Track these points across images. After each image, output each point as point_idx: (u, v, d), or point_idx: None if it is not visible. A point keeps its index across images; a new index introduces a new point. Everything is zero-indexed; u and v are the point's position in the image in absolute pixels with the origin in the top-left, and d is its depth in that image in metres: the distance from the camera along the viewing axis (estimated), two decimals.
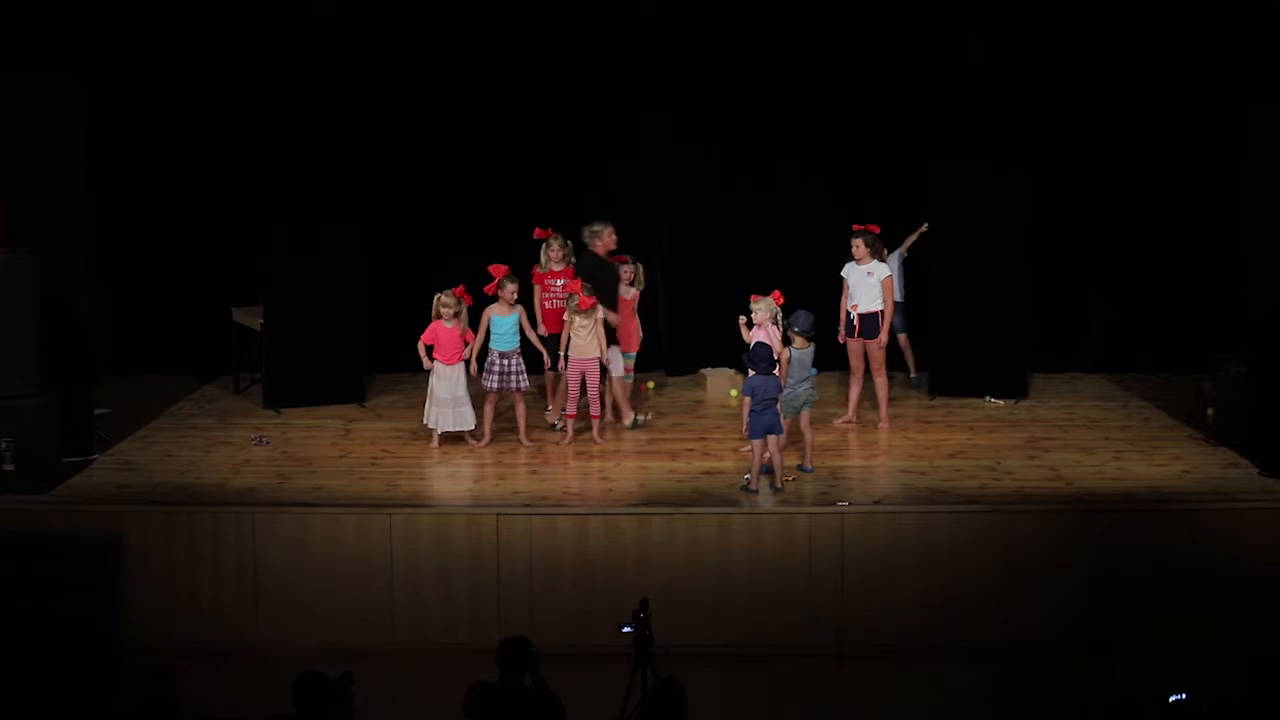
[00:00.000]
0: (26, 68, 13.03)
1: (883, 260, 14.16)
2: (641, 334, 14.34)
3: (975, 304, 14.85)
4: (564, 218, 14.80)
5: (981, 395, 15.05)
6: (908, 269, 15.26)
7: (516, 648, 8.72)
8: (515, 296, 13.69)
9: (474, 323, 13.65)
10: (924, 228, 15.05)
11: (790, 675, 11.68)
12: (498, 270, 13.70)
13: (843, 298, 14.32)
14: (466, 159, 15.76)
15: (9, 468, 12.50)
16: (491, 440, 13.76)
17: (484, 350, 13.71)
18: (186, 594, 12.12)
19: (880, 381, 14.17)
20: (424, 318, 13.70)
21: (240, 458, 13.56)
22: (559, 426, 14.18)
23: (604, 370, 13.92)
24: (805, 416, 13.07)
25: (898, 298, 14.90)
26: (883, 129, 15.56)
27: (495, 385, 13.65)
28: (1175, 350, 15.67)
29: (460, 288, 13.59)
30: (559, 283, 14.33)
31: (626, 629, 9.61)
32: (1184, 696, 8.34)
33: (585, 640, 11.46)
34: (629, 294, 14.20)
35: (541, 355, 14.08)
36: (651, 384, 15.22)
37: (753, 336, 12.93)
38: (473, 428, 13.68)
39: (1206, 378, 14.13)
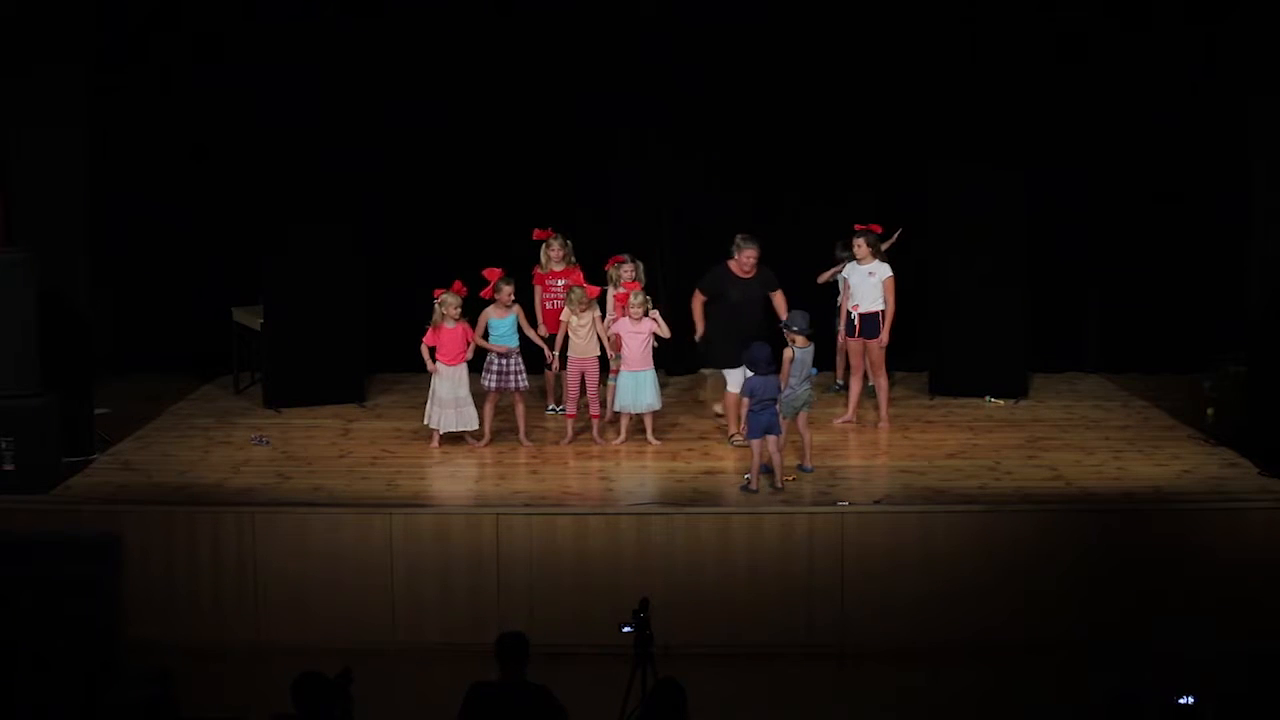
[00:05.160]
0: (27, 67, 13.03)
1: (884, 260, 14.16)
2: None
3: (975, 304, 14.85)
4: (564, 218, 14.82)
5: (981, 395, 15.05)
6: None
7: (513, 642, 8.74)
8: (512, 298, 13.67)
9: (473, 323, 13.66)
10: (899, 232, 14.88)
11: (790, 675, 11.68)
12: (492, 274, 13.71)
13: (843, 297, 14.33)
14: (466, 159, 15.75)
15: (9, 468, 12.50)
16: (491, 440, 13.76)
17: (483, 350, 13.71)
18: (186, 594, 12.13)
19: (880, 382, 14.18)
20: (424, 317, 13.70)
21: (240, 458, 13.56)
22: (556, 409, 14.36)
23: (604, 369, 13.96)
24: (803, 417, 13.08)
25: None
26: (883, 128, 15.56)
27: (494, 385, 13.66)
28: (1175, 350, 15.66)
29: (457, 282, 13.58)
30: (559, 283, 14.34)
31: (626, 629, 9.61)
32: (1191, 700, 8.34)
33: (585, 640, 11.47)
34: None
35: (543, 353, 14.08)
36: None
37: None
38: (475, 427, 13.68)
39: (1206, 378, 14.13)
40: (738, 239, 13.78)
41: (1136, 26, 15.43)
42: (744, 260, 13.65)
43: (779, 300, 13.72)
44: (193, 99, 15.54)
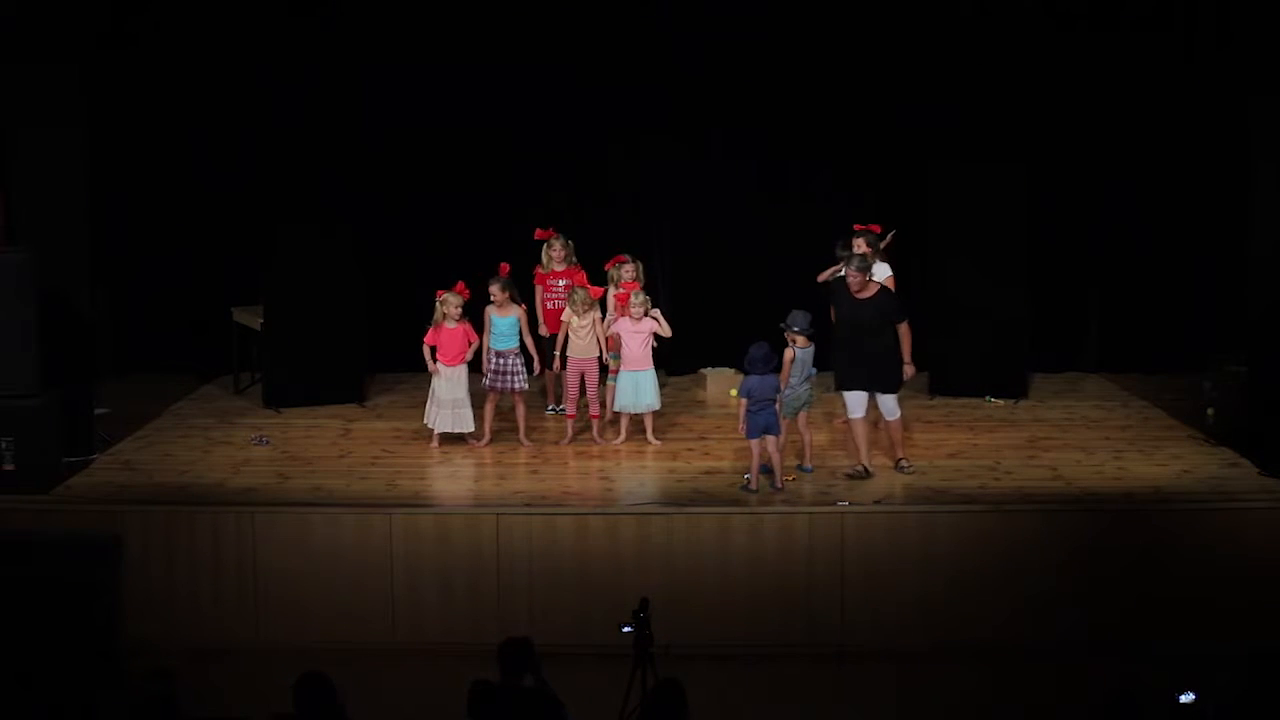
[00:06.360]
0: (27, 66, 13.03)
1: (884, 261, 14.14)
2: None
3: (975, 303, 14.86)
4: (564, 218, 14.83)
5: (981, 395, 15.05)
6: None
7: (516, 649, 8.72)
8: (503, 298, 13.62)
9: (476, 322, 13.65)
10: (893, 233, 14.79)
11: (790, 675, 11.68)
12: (503, 269, 13.74)
13: None
14: (467, 159, 15.75)
15: (9, 468, 12.50)
16: (491, 440, 13.76)
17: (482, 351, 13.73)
18: (186, 594, 12.13)
19: None
20: (424, 317, 13.70)
21: (240, 458, 13.56)
22: (557, 409, 14.38)
23: (604, 369, 13.95)
24: (803, 417, 13.08)
25: None
26: (883, 128, 15.56)
27: (492, 384, 13.66)
28: (1175, 350, 15.67)
29: (460, 283, 13.59)
30: (560, 283, 14.34)
31: (626, 629, 9.61)
32: (1193, 696, 8.35)
33: (585, 640, 11.47)
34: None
35: (545, 354, 14.09)
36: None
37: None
38: (471, 430, 13.68)
39: (1206, 378, 14.14)
40: (838, 250, 13.44)
41: (1137, 27, 15.43)
42: (850, 281, 12.88)
43: (903, 332, 12.80)
44: (193, 98, 15.54)
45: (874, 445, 13.17)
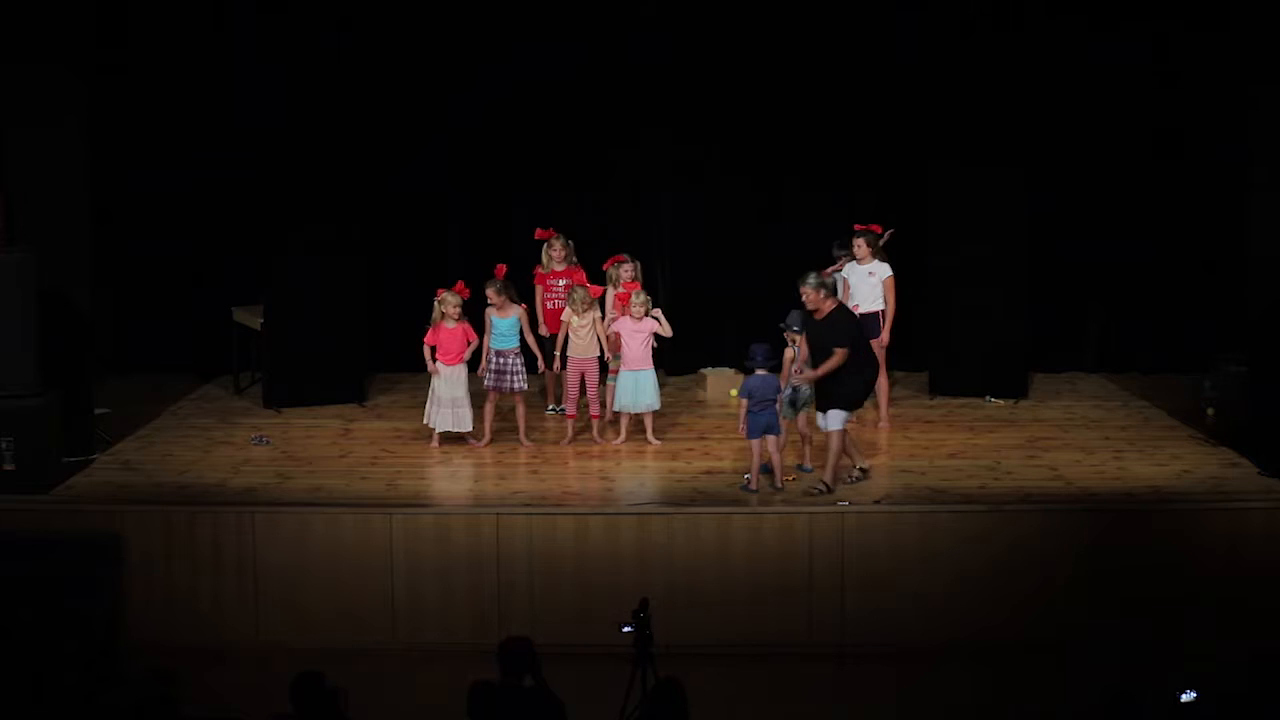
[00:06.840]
0: (26, 66, 13.03)
1: (884, 260, 14.15)
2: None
3: (975, 303, 14.86)
4: (564, 218, 14.82)
5: (981, 395, 15.05)
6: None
7: (516, 648, 8.71)
8: (500, 300, 13.59)
9: (476, 322, 13.64)
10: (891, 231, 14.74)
11: (790, 675, 11.69)
12: (499, 271, 13.74)
13: (842, 297, 14.30)
14: (467, 158, 15.76)
15: (9, 468, 12.50)
16: (491, 440, 13.76)
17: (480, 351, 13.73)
18: (186, 594, 12.12)
19: (881, 381, 14.14)
20: (424, 317, 13.70)
21: (240, 458, 13.56)
22: (557, 409, 14.38)
23: (604, 369, 13.95)
24: (803, 417, 13.08)
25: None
26: (883, 128, 15.56)
27: (492, 384, 13.66)
28: (1175, 350, 15.67)
29: (460, 283, 13.59)
30: (560, 283, 14.35)
31: (626, 629, 9.61)
32: (1193, 696, 8.35)
33: (585, 640, 11.46)
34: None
35: (537, 357, 14.09)
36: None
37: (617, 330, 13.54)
38: (470, 429, 13.67)
39: (1206, 378, 14.13)
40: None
41: (1136, 28, 15.42)
42: (803, 298, 12.55)
43: (837, 354, 12.28)
44: (194, 99, 15.54)
45: (866, 445, 13.19)
